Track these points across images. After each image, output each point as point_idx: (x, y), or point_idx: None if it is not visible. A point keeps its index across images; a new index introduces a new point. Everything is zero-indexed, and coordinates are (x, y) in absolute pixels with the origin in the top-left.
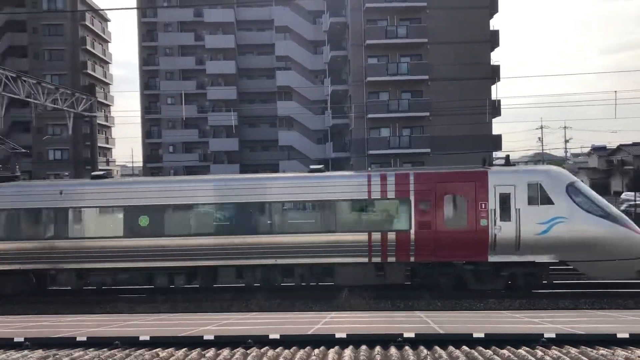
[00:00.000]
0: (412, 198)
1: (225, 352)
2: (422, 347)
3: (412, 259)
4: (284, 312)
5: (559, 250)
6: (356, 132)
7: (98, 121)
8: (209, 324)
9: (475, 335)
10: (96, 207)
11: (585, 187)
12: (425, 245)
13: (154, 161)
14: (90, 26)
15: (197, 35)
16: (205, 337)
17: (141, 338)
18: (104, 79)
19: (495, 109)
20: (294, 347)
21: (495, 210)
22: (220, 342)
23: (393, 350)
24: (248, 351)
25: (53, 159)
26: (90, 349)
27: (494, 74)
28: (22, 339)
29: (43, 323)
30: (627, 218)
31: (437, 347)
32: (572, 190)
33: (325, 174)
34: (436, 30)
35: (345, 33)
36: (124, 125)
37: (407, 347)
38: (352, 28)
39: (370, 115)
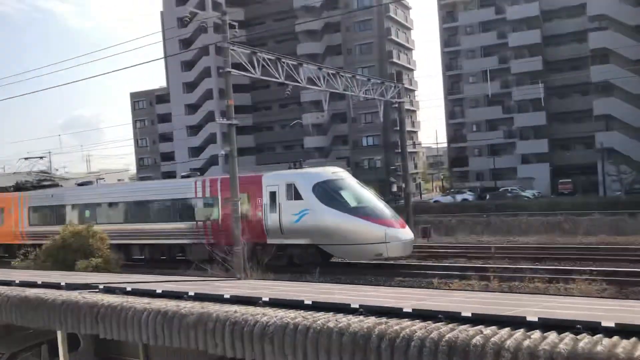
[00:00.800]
0: (219, 196)
1: (552, 335)
2: None
3: (224, 241)
4: (612, 299)
5: (308, 236)
6: None
7: (405, 106)
8: (528, 306)
9: None
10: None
11: (336, 186)
12: (229, 231)
13: (459, 141)
14: (394, 16)
15: (498, 8)
16: (529, 319)
17: (463, 314)
18: (408, 66)
19: None
20: (633, 338)
21: (266, 204)
22: (545, 324)
23: None
24: (578, 337)
25: (366, 145)
26: (417, 320)
27: None
28: (357, 306)
29: (370, 293)
30: (375, 211)
31: None
32: (317, 188)
33: (177, 180)
34: None
35: None
36: (428, 108)
37: None
38: None
39: None
